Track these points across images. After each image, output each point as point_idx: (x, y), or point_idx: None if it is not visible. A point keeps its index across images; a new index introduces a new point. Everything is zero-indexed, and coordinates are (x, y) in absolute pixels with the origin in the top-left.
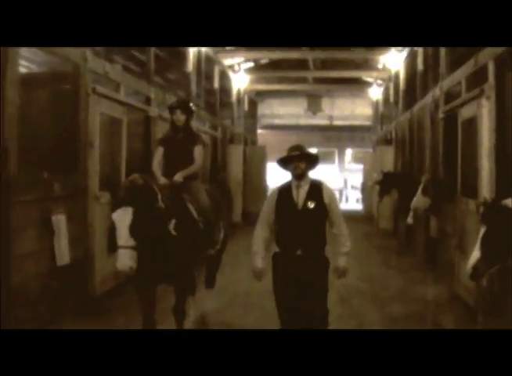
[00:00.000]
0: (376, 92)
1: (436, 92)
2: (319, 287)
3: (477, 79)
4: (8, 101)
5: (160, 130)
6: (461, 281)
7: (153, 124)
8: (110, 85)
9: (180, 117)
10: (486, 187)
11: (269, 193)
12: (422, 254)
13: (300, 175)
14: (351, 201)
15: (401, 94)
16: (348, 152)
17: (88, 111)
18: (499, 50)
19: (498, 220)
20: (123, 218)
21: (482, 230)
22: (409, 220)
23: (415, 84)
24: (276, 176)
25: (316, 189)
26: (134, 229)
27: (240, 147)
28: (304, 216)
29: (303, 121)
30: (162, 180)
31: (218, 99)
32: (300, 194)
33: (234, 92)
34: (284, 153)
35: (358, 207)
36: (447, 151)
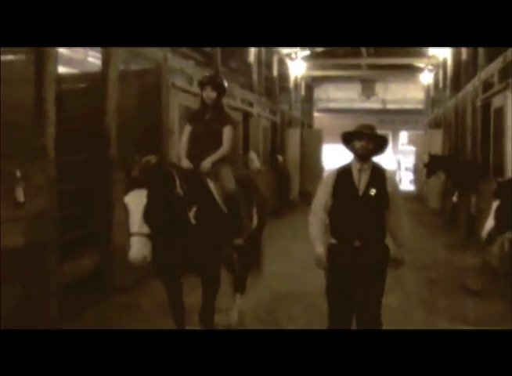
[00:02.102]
0: (427, 77)
1: (475, 81)
2: (376, 283)
3: (507, 72)
4: (109, 96)
5: None
6: (492, 251)
7: None
8: (185, 78)
9: (210, 93)
10: (510, 168)
11: (325, 174)
12: (464, 230)
13: (365, 157)
14: (405, 183)
15: (448, 80)
16: (402, 135)
17: (169, 103)
18: None
19: (508, 195)
20: (136, 201)
21: (495, 204)
22: (454, 199)
23: (460, 72)
24: (332, 158)
25: (379, 175)
26: (149, 215)
27: (298, 131)
28: (365, 204)
29: (357, 105)
30: (185, 163)
31: (276, 85)
32: (362, 179)
33: (291, 78)
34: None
35: (411, 188)
36: (483, 136)
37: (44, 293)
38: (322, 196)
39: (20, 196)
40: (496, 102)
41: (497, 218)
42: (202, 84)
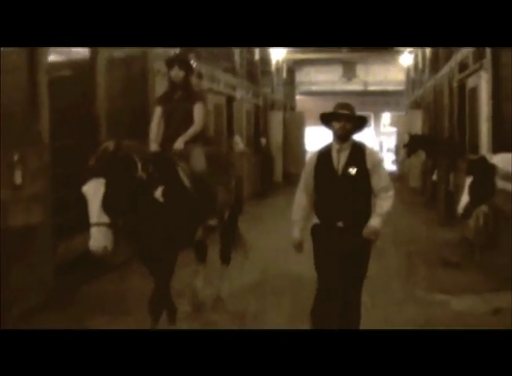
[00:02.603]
0: (407, 59)
1: (452, 62)
2: (358, 265)
3: (480, 54)
4: (98, 84)
5: (211, 101)
6: (468, 225)
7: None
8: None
9: (178, 72)
10: (484, 146)
11: (308, 157)
12: (443, 206)
13: (343, 137)
14: (387, 163)
15: (427, 62)
16: (384, 116)
17: (155, 89)
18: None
19: (480, 171)
20: (94, 191)
21: (469, 180)
22: (434, 177)
23: (438, 54)
24: (314, 140)
25: (358, 152)
26: (108, 204)
27: (280, 114)
28: (345, 183)
29: (339, 87)
30: (153, 147)
31: (258, 69)
32: (340, 159)
33: (273, 61)
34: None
35: (393, 168)
36: (460, 116)
37: (40, 271)
38: (304, 180)
39: (18, 178)
40: (471, 82)
41: (471, 193)
42: (169, 64)
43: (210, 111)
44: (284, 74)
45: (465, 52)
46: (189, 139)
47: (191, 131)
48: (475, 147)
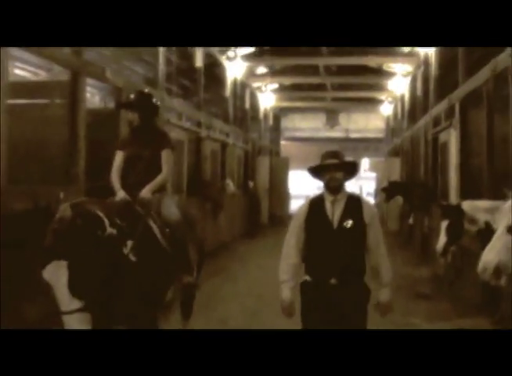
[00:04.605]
0: (387, 109)
1: (427, 117)
2: (355, 324)
3: (452, 112)
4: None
5: (208, 147)
6: (439, 263)
7: (203, 143)
8: (174, 114)
9: (134, 114)
10: (453, 193)
11: (297, 206)
12: (419, 247)
13: (336, 188)
14: None
15: (406, 113)
16: (364, 161)
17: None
18: (462, 93)
19: (454, 216)
20: (57, 276)
21: (445, 223)
22: (410, 221)
23: (416, 106)
24: (298, 184)
25: (355, 204)
26: (77, 287)
27: (267, 158)
28: (341, 238)
29: (322, 134)
30: (121, 194)
31: (248, 117)
32: (335, 210)
33: (261, 109)
34: (307, 162)
35: None
36: (433, 165)
37: None
38: (293, 234)
39: None
40: (443, 137)
41: (448, 234)
42: (126, 106)
43: (207, 156)
44: (271, 121)
45: (439, 109)
46: (157, 189)
47: (158, 179)
48: (446, 194)
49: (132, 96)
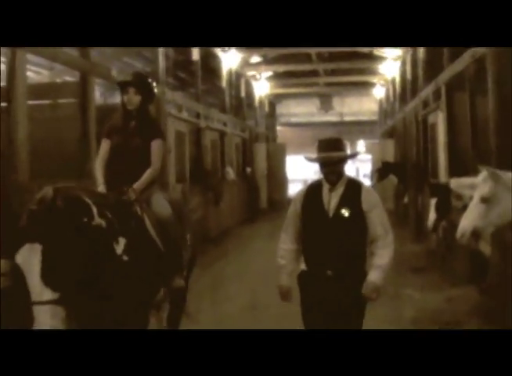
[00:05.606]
0: (380, 92)
1: (417, 100)
2: (349, 320)
3: (439, 94)
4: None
5: (208, 137)
6: (433, 239)
7: (203, 134)
8: (174, 107)
9: (133, 97)
10: (442, 172)
11: (295, 193)
12: (414, 225)
13: (335, 182)
14: None
15: (397, 96)
16: (359, 144)
17: (167, 128)
18: (447, 77)
19: (442, 193)
20: (29, 260)
21: (434, 200)
22: (405, 199)
23: (406, 89)
24: (295, 168)
25: (353, 192)
26: (51, 275)
27: (264, 145)
28: (336, 227)
29: (316, 119)
30: (101, 189)
31: (244, 105)
32: (332, 199)
33: (256, 97)
34: (303, 147)
35: None
36: (424, 146)
37: None
38: (290, 221)
39: None
40: (431, 119)
41: (437, 211)
42: (123, 86)
43: (207, 146)
44: (266, 108)
45: (427, 92)
46: (147, 185)
47: (148, 174)
48: (436, 172)
49: (135, 75)
